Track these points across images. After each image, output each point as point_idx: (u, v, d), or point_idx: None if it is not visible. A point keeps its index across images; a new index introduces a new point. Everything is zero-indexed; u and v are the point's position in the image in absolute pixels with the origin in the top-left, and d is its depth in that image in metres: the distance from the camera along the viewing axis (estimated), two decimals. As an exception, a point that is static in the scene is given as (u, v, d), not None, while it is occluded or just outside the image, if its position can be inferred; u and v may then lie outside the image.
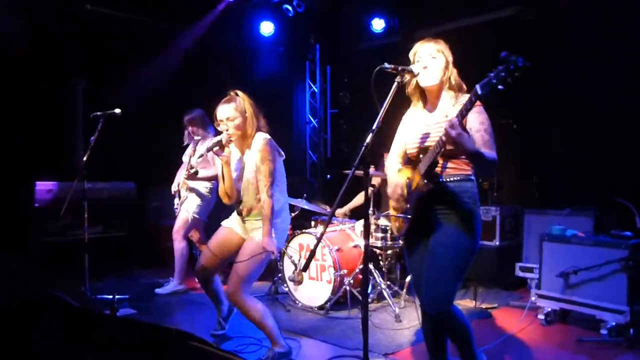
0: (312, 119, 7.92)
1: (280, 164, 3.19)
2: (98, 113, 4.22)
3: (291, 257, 4.49)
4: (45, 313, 1.58)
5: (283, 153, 3.20)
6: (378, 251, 4.56)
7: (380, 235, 4.47)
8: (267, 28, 7.01)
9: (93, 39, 5.59)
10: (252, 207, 3.15)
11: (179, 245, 4.73)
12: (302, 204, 4.72)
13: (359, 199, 5.32)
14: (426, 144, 2.41)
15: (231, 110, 3.08)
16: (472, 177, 2.43)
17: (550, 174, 5.42)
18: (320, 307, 4.29)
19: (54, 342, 1.48)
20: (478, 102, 2.29)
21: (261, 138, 3.10)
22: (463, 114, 2.11)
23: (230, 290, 3.04)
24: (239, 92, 3.20)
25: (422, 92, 2.52)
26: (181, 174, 4.71)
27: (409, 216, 2.47)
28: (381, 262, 4.53)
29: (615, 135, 4.85)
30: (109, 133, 4.20)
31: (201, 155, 3.80)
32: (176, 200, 4.79)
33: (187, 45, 6.37)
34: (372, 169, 4.73)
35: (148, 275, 5.37)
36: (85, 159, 4.16)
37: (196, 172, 4.00)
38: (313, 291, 4.38)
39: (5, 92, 4.85)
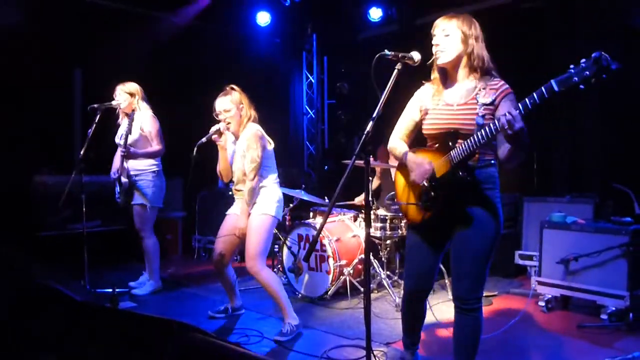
0: (309, 110, 7.89)
1: (268, 152, 3.52)
2: (95, 105, 4.19)
3: (290, 247, 4.48)
4: (46, 307, 1.57)
5: (272, 141, 3.56)
6: (377, 241, 4.56)
7: (379, 225, 4.47)
8: (263, 18, 6.97)
9: (90, 30, 5.53)
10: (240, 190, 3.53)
11: (149, 241, 4.45)
12: (300, 194, 4.71)
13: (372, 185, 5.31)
14: (454, 125, 2.32)
15: (228, 103, 3.46)
16: (494, 162, 2.39)
17: (549, 162, 5.41)
18: (320, 298, 4.29)
19: (56, 336, 1.47)
20: (509, 88, 2.29)
21: (250, 129, 3.46)
22: (528, 107, 1.95)
23: (248, 263, 3.41)
24: (235, 87, 3.55)
25: (443, 71, 2.44)
26: (118, 158, 4.43)
27: (429, 204, 2.38)
28: (380, 252, 4.52)
29: (614, 122, 4.84)
30: (107, 125, 4.18)
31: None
32: (117, 189, 4.43)
33: (184, 36, 6.32)
34: (371, 159, 4.70)
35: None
36: (82, 152, 4.14)
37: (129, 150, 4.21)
38: (313, 282, 4.38)
39: (1, 84, 4.81)
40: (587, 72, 1.85)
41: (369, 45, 7.03)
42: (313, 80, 7.77)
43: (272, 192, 3.52)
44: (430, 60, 2.40)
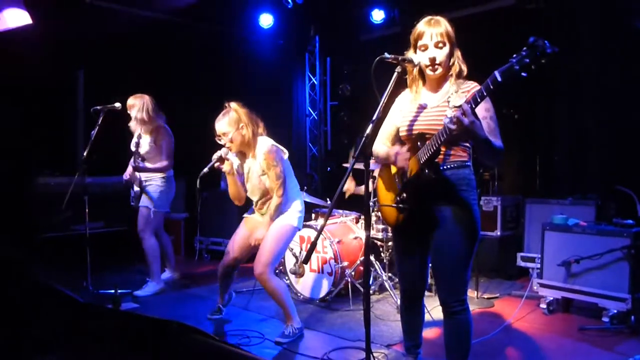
0: (312, 112, 7.90)
1: (286, 162, 3.45)
2: (98, 107, 4.21)
3: (292, 249, 4.49)
4: (49, 308, 1.58)
5: (286, 150, 3.45)
6: (379, 243, 4.56)
7: (381, 227, 4.47)
8: (266, 20, 6.97)
9: (93, 33, 5.55)
10: (263, 206, 3.51)
11: (148, 243, 4.50)
12: (302, 196, 4.70)
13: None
14: (423, 128, 2.32)
15: (225, 126, 3.32)
16: (469, 163, 2.37)
17: (551, 164, 5.40)
18: (322, 299, 4.30)
19: (58, 337, 1.48)
20: (477, 86, 2.23)
21: (264, 145, 3.35)
22: (477, 100, 1.97)
23: (259, 269, 3.35)
24: (232, 104, 3.41)
25: (421, 74, 2.42)
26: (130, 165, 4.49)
27: (403, 206, 2.37)
28: (382, 254, 4.53)
29: (616, 124, 4.84)
30: (110, 127, 4.19)
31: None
32: (132, 192, 4.57)
33: (187, 37, 6.33)
34: (372, 161, 4.70)
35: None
36: (85, 153, 4.16)
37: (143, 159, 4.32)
38: (314, 283, 4.39)
39: (4, 85, 4.83)
40: (527, 59, 1.83)
41: (372, 47, 7.03)
42: (316, 82, 7.78)
43: (295, 203, 3.51)
44: (416, 71, 2.36)
